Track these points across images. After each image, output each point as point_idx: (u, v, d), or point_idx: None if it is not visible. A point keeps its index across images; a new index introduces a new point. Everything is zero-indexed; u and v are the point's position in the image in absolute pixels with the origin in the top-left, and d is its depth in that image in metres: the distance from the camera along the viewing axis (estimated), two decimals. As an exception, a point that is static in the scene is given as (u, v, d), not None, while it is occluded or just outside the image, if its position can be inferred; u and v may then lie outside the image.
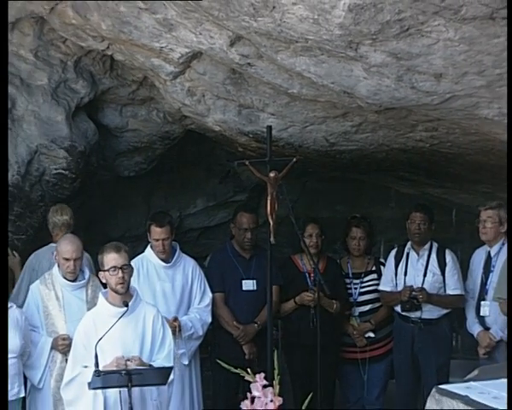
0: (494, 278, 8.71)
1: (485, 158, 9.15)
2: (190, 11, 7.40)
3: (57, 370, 8.07)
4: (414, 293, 9.09)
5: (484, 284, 8.90)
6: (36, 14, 8.53)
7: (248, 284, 9.10)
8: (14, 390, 7.91)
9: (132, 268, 7.26)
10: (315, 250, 9.07)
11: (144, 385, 6.80)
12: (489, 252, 8.95)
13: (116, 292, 7.02)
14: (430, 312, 9.16)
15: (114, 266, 6.99)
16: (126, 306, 6.95)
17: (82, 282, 8.31)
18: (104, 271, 7.06)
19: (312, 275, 9.05)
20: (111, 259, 7.03)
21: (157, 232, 8.73)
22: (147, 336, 7.06)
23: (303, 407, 6.56)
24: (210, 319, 8.90)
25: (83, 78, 9.29)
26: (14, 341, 7.89)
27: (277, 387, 6.51)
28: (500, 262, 8.66)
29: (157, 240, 8.73)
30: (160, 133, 10.33)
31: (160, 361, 7.01)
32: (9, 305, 7.98)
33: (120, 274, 6.98)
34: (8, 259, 9.14)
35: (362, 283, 9.63)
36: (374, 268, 9.69)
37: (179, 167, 11.49)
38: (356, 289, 9.59)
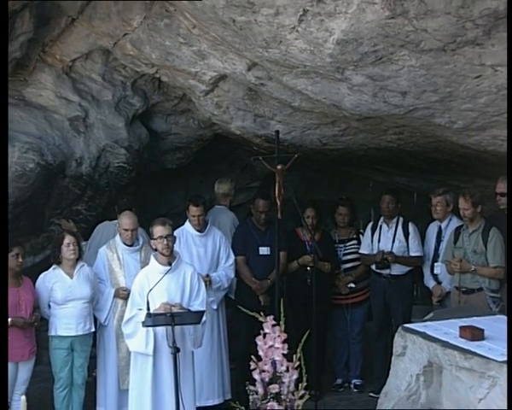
0: (444, 246, 8.72)
1: (439, 155, 9.12)
2: (218, 44, 7.40)
3: (118, 312, 8.09)
4: (385, 255, 9.08)
5: (436, 249, 8.90)
6: (103, 48, 8.54)
7: (263, 250, 9.07)
8: (87, 326, 7.97)
9: (175, 237, 7.28)
10: (311, 227, 9.07)
11: (183, 324, 6.80)
12: (440, 226, 8.95)
13: (163, 255, 7.04)
14: (397, 269, 9.12)
15: (161, 236, 7.00)
16: (170, 265, 6.98)
17: (137, 247, 8.33)
18: (154, 239, 7.09)
19: (310, 243, 9.04)
20: (158, 230, 7.04)
21: (194, 210, 8.73)
22: (186, 287, 7.07)
23: (301, 341, 6.58)
24: (233, 275, 8.90)
25: (138, 94, 9.28)
26: (85, 290, 7.94)
27: (283, 326, 6.53)
28: (448, 234, 8.67)
29: (194, 216, 8.74)
30: (195, 136, 10.31)
31: (195, 306, 7.01)
32: (82, 264, 8.03)
33: (165, 242, 7.00)
34: (68, 226, 9.19)
35: (345, 247, 9.62)
36: (355, 236, 9.68)
37: (210, 161, 11.46)
38: (341, 251, 9.59)
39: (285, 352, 6.65)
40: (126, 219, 8.27)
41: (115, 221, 8.70)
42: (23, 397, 2.75)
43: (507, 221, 7.65)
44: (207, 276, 8.54)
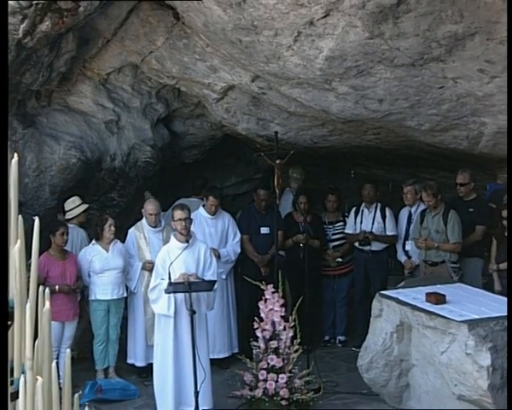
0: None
1: (410, 152, 9.14)
2: (227, 60, 7.42)
3: (145, 281, 8.10)
4: (366, 234, 9.11)
5: (407, 230, 8.94)
6: (132, 63, 8.55)
7: (264, 230, 9.06)
8: (120, 292, 8.03)
9: (192, 219, 7.28)
10: (304, 211, 9.08)
11: (199, 291, 6.82)
12: (410, 211, 9.00)
13: (181, 234, 7.05)
14: (376, 246, 9.14)
15: (180, 218, 6.98)
16: (187, 242, 7.00)
17: (159, 228, 8.35)
18: (174, 221, 7.11)
19: (303, 224, 9.05)
20: (178, 214, 7.02)
21: (212, 201, 8.74)
22: (200, 261, 7.06)
23: (296, 305, 6.62)
24: (239, 250, 8.88)
25: (161, 102, 9.29)
26: (119, 262, 7.99)
27: (281, 292, 6.57)
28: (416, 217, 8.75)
29: (211, 205, 8.76)
30: (208, 136, 10.32)
31: (208, 276, 7.00)
32: (115, 241, 8.07)
33: (183, 223, 6.97)
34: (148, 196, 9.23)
35: (334, 228, 9.61)
36: (341, 219, 9.69)
37: (220, 157, 11.47)
38: (330, 232, 9.59)
39: (282, 314, 6.71)
40: (151, 206, 8.31)
41: (194, 199, 9.50)
42: (68, 350, 2.79)
43: (507, 221, 7.70)
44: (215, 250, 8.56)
